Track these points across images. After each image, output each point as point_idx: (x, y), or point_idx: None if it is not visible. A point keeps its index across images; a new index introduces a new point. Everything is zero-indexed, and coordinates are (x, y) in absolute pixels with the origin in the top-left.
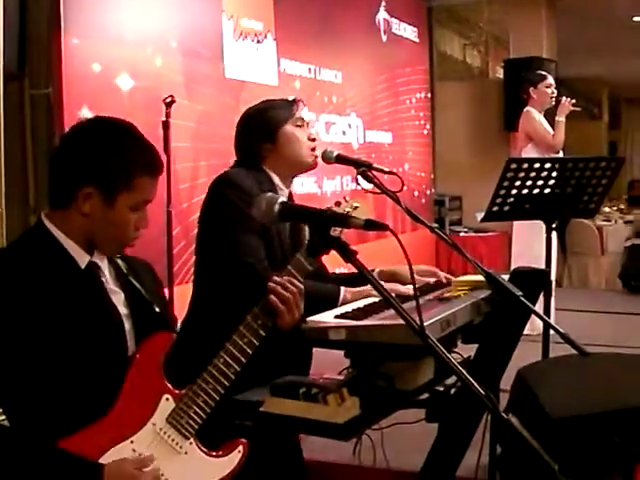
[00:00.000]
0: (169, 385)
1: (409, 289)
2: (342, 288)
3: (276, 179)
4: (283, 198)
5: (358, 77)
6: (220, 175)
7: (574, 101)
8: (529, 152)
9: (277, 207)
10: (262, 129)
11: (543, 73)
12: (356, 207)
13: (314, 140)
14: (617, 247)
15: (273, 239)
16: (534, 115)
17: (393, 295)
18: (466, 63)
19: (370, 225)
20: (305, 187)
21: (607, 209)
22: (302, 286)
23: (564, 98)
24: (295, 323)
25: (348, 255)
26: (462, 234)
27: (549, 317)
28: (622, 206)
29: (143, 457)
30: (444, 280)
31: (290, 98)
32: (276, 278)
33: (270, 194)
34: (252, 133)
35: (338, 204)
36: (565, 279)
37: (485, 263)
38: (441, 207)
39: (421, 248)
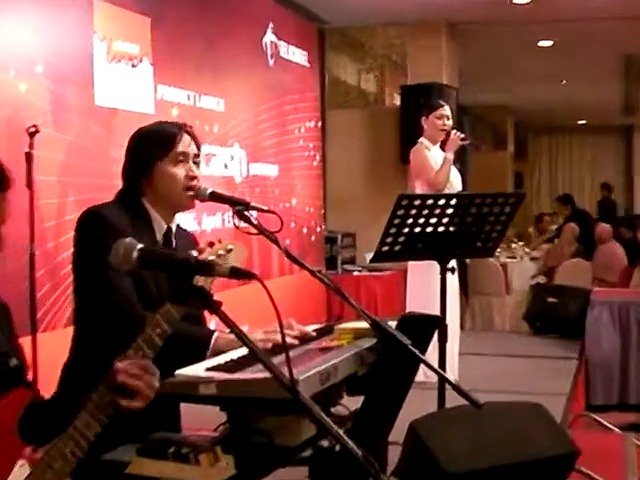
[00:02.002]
0: (26, 448)
1: (291, 338)
2: (215, 333)
3: (155, 214)
4: (140, 245)
5: (242, 105)
6: (89, 209)
7: (462, 135)
8: (418, 189)
9: (136, 254)
10: (138, 162)
11: (439, 102)
12: (230, 250)
13: (193, 179)
14: (523, 285)
15: (146, 276)
16: (422, 148)
17: (269, 345)
18: (360, 89)
19: (236, 274)
20: (183, 224)
21: (513, 245)
22: (148, 364)
23: (453, 132)
24: (146, 403)
25: (211, 306)
26: (356, 273)
27: (445, 364)
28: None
29: None
30: (292, 334)
31: (174, 128)
32: (119, 365)
33: (129, 240)
34: (130, 164)
35: (211, 245)
36: (468, 321)
37: (380, 305)
38: (333, 245)
39: (311, 289)
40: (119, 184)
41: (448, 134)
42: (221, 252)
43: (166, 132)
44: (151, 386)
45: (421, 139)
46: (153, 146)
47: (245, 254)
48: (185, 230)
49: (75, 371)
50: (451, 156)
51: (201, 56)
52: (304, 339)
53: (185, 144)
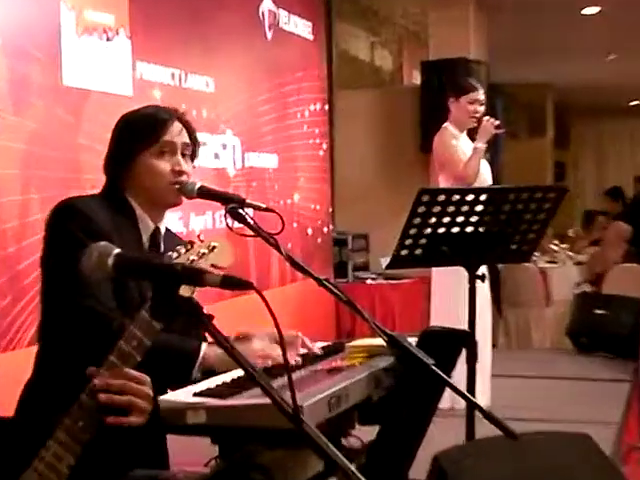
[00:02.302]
0: None
1: (295, 357)
2: (204, 345)
3: (141, 213)
4: (117, 250)
5: (235, 85)
6: (64, 201)
7: (497, 122)
8: (443, 183)
9: (111, 260)
10: (119, 152)
11: (473, 83)
12: (213, 248)
13: (180, 173)
14: (565, 295)
15: (128, 280)
16: (448, 135)
17: (269, 364)
18: (374, 66)
19: (229, 283)
20: (168, 224)
21: (554, 247)
22: (131, 373)
23: (485, 118)
24: (146, 417)
25: (201, 321)
26: (369, 281)
27: (474, 387)
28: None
29: None
30: (298, 351)
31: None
32: (97, 382)
33: (104, 243)
34: (111, 155)
35: (191, 244)
36: (501, 337)
37: (398, 318)
38: (342, 248)
39: (318, 301)
40: (91, 178)
41: (479, 121)
42: (203, 251)
43: (153, 118)
44: (144, 395)
45: (446, 124)
46: (136, 134)
47: (231, 252)
48: (175, 234)
49: (41, 390)
50: (483, 146)
51: (187, 28)
52: (310, 358)
53: (173, 133)
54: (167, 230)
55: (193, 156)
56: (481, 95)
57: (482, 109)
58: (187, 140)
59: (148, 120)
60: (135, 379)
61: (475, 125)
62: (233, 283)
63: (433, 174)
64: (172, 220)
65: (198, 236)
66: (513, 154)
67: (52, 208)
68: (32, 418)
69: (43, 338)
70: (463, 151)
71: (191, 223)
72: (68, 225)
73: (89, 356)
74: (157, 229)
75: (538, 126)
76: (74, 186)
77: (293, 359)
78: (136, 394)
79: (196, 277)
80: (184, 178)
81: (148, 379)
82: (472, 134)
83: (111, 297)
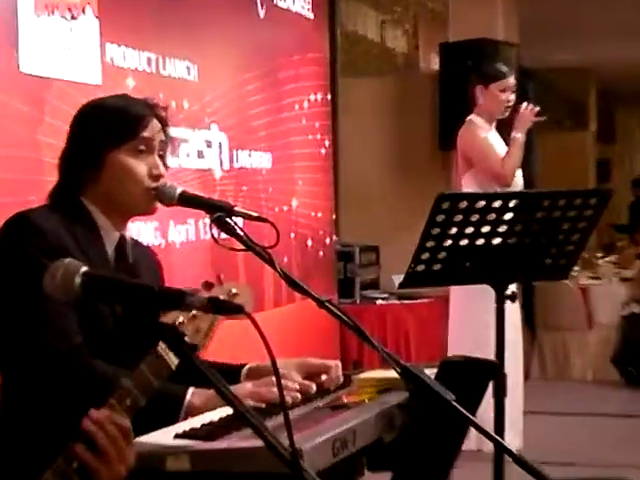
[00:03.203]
0: None
1: (292, 392)
2: (190, 390)
3: (101, 219)
4: (84, 268)
5: (222, 71)
6: (16, 215)
7: (537, 109)
8: (469, 183)
9: (78, 279)
10: (83, 147)
11: (502, 69)
12: (234, 294)
13: (158, 177)
14: (611, 317)
15: (98, 303)
16: (478, 128)
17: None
18: (386, 48)
19: (217, 307)
20: (142, 236)
21: (597, 261)
22: (128, 425)
23: (524, 105)
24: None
25: (183, 352)
26: (379, 302)
27: (503, 426)
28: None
29: None
30: (334, 380)
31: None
32: (93, 416)
33: (68, 260)
34: (71, 149)
35: (209, 287)
36: (536, 366)
37: (414, 346)
38: (348, 263)
39: (319, 326)
40: (55, 181)
41: (513, 111)
42: (221, 297)
43: (128, 111)
44: (122, 455)
45: (472, 117)
46: (108, 127)
47: (252, 299)
48: (145, 245)
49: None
50: (522, 137)
51: (166, 4)
52: (311, 394)
53: (153, 130)
54: (132, 240)
55: (164, 158)
56: (512, 81)
57: (513, 97)
58: (164, 138)
59: (123, 112)
60: (125, 432)
61: (505, 116)
62: (221, 307)
63: (455, 176)
64: (147, 231)
65: (218, 276)
66: (549, 151)
67: (3, 224)
68: None
69: (2, 370)
70: (499, 146)
71: (170, 234)
72: (23, 244)
73: (53, 404)
74: (123, 238)
75: (578, 117)
76: (34, 191)
77: (291, 395)
78: (118, 449)
79: (177, 300)
80: (161, 184)
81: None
82: (499, 127)
83: (76, 329)
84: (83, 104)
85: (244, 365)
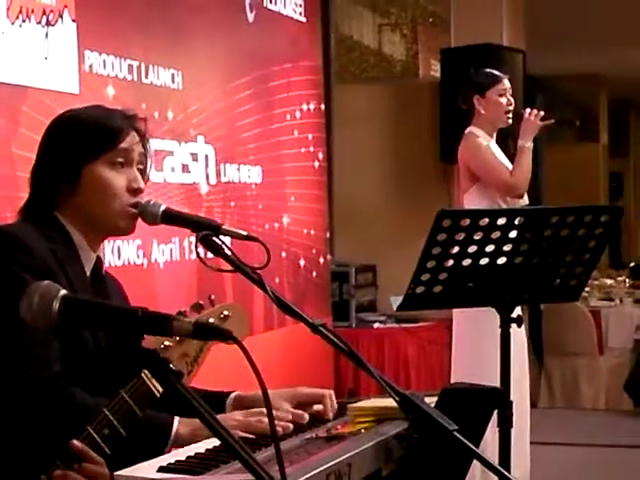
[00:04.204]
0: None
1: (283, 422)
2: (176, 420)
3: (77, 237)
4: (63, 292)
5: (208, 80)
6: None
7: (542, 113)
8: (475, 199)
9: (57, 304)
10: (57, 161)
11: (495, 73)
12: (226, 317)
13: (136, 191)
14: (624, 341)
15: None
16: (480, 140)
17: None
18: (383, 55)
19: (203, 332)
20: (123, 254)
21: (609, 281)
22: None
23: (527, 111)
24: None
25: (167, 379)
26: (377, 326)
27: (509, 458)
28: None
29: None
30: (329, 412)
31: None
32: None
33: (47, 283)
34: (44, 163)
35: (198, 308)
36: (544, 394)
37: (414, 372)
38: (343, 283)
39: (312, 351)
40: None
41: (518, 117)
42: (211, 320)
43: (105, 122)
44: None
45: (471, 128)
46: (83, 139)
47: (247, 322)
48: (110, 278)
49: None
50: (530, 145)
51: (149, 9)
52: (303, 424)
53: (132, 142)
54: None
55: (144, 172)
56: (508, 83)
57: (512, 100)
58: (143, 151)
59: (100, 122)
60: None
61: (508, 124)
62: (209, 332)
63: (457, 191)
64: (129, 250)
65: (209, 297)
66: (557, 164)
67: None
68: None
69: None
70: (503, 157)
71: (153, 253)
72: (6, 260)
73: (30, 429)
74: (99, 260)
75: (588, 128)
76: (9, 207)
77: (281, 425)
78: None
79: (162, 325)
80: (140, 199)
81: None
82: (500, 139)
83: (56, 357)
84: (57, 115)
85: (230, 393)
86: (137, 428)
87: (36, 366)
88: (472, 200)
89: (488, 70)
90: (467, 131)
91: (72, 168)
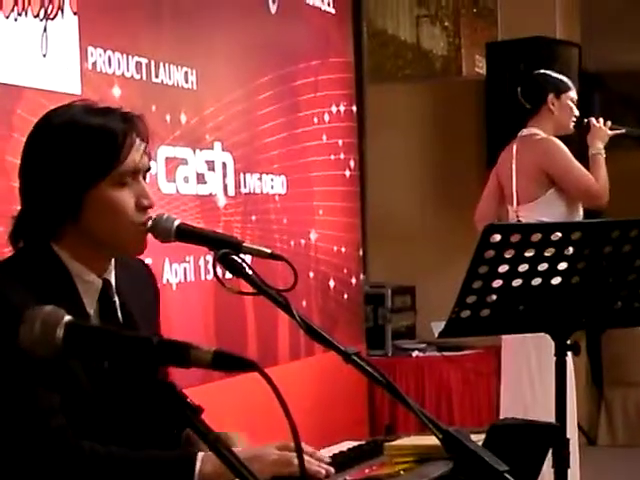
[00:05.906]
0: None
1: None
2: (199, 455)
3: (74, 267)
4: (68, 317)
5: (226, 79)
6: None
7: (609, 123)
8: (548, 207)
9: (61, 330)
10: (53, 188)
11: (566, 81)
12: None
13: (147, 208)
14: None
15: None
16: (561, 144)
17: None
18: (422, 50)
19: (224, 363)
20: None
21: None
22: None
23: (593, 120)
24: None
25: (185, 415)
26: (416, 354)
27: None
28: None
29: None
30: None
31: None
32: None
33: (50, 308)
34: (40, 185)
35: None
36: (604, 429)
37: (458, 407)
38: (378, 307)
39: (344, 383)
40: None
41: (583, 126)
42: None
43: (108, 133)
44: None
45: (532, 130)
46: (85, 160)
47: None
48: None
49: None
50: (603, 153)
51: (159, 0)
52: (338, 464)
53: (138, 152)
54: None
55: (148, 170)
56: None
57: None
58: (147, 160)
59: (102, 132)
60: None
61: (571, 132)
62: (229, 362)
63: (509, 202)
64: None
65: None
66: (616, 173)
67: None
68: None
69: None
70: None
71: (165, 274)
72: None
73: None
74: (107, 283)
75: None
76: (3, 221)
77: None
78: None
79: (179, 355)
80: (150, 215)
81: None
82: None
83: (53, 391)
84: (47, 117)
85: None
86: (159, 466)
87: (39, 412)
88: (544, 210)
89: (555, 75)
90: (530, 132)
91: (73, 197)
